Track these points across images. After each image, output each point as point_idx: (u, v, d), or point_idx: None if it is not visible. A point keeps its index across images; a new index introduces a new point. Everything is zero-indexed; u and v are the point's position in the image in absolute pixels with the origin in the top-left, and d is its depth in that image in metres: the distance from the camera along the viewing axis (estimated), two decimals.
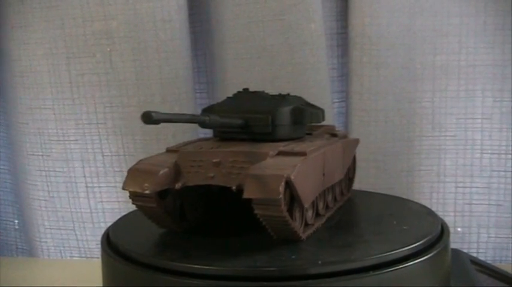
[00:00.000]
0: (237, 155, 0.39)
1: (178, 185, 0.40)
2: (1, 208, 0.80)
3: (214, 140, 0.45)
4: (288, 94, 0.46)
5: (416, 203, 0.52)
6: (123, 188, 0.40)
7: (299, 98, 0.47)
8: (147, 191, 0.38)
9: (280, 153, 0.40)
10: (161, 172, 0.39)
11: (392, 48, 0.63)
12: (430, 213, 0.47)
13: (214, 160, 0.39)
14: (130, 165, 0.68)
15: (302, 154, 0.40)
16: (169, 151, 0.43)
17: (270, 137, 0.43)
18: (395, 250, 0.37)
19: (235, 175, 0.39)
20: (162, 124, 0.66)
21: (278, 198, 0.35)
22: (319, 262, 0.35)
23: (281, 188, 0.35)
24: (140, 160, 0.41)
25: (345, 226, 0.44)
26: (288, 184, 0.36)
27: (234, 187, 0.38)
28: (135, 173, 0.40)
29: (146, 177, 0.39)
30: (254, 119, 0.43)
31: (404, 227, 0.42)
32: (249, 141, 0.43)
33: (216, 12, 0.66)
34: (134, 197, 0.40)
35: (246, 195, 0.36)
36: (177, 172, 0.40)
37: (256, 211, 0.37)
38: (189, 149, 0.42)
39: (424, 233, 0.40)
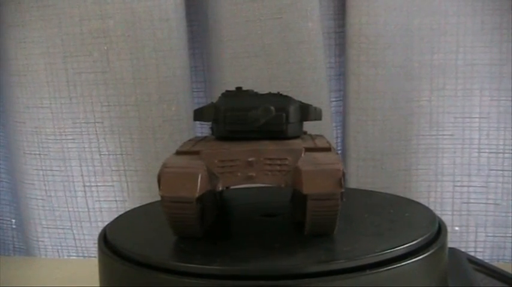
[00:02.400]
0: (274, 153, 0.38)
1: (219, 187, 0.37)
2: None
3: (214, 139, 0.44)
4: (279, 93, 0.46)
5: (414, 201, 0.51)
6: (161, 194, 0.36)
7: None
8: (192, 196, 0.36)
9: (307, 149, 0.39)
10: (201, 175, 0.36)
11: (390, 47, 0.63)
12: (428, 212, 0.47)
13: (249, 159, 0.38)
14: (127, 164, 0.70)
15: (327, 149, 0.40)
16: (181, 153, 0.41)
17: (282, 134, 0.43)
18: (392, 248, 0.37)
19: (277, 172, 0.38)
20: (159, 123, 0.67)
21: (341, 191, 0.35)
22: (377, 251, 0.36)
23: (343, 181, 0.35)
24: (165, 163, 0.38)
25: (346, 220, 0.44)
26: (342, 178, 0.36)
27: (283, 185, 0.37)
28: (172, 177, 0.36)
29: (187, 181, 0.36)
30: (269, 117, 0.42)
31: (401, 225, 0.42)
32: (260, 139, 0.42)
33: (214, 11, 0.66)
34: (171, 203, 0.37)
35: (306, 191, 0.35)
36: (209, 174, 0.38)
37: (311, 207, 0.37)
38: (207, 150, 0.40)
39: (421, 232, 0.40)
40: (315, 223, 0.38)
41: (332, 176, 0.35)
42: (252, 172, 0.38)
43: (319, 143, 0.42)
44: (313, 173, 0.36)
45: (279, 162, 0.38)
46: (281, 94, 0.45)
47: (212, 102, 0.46)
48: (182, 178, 0.36)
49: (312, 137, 0.46)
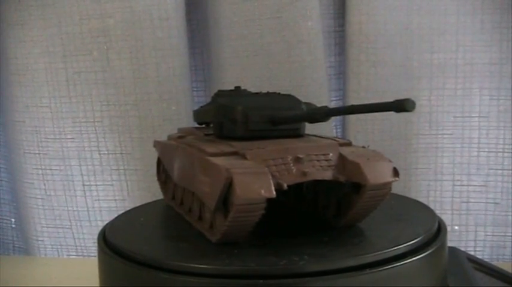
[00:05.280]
0: (317, 149, 0.39)
1: (285, 186, 0.36)
2: None
3: (224, 139, 0.43)
4: (268, 92, 0.46)
5: (413, 200, 0.52)
6: (240, 197, 0.34)
7: None
8: (271, 195, 0.34)
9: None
10: (269, 174, 0.35)
11: (390, 47, 0.63)
12: (427, 211, 0.47)
13: (300, 156, 0.38)
14: (127, 163, 0.70)
15: (349, 144, 0.41)
16: (215, 154, 0.39)
17: (297, 132, 0.43)
18: (392, 247, 0.37)
19: (327, 167, 0.38)
20: (159, 123, 0.67)
21: (397, 179, 0.37)
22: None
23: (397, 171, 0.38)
24: (224, 165, 0.35)
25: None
26: None
27: (343, 179, 0.38)
28: (247, 178, 0.34)
29: (263, 181, 0.34)
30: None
31: (401, 224, 0.42)
32: (277, 138, 0.42)
33: (213, 10, 0.66)
34: (247, 205, 0.35)
35: (370, 181, 0.37)
36: None
37: (366, 197, 0.38)
38: (247, 150, 0.38)
39: (421, 231, 0.40)
40: (358, 213, 0.40)
41: (388, 166, 0.38)
42: (305, 168, 0.38)
43: (336, 139, 0.43)
44: (372, 164, 0.37)
45: (323, 157, 0.38)
46: (280, 93, 0.45)
47: (214, 103, 0.45)
48: (257, 178, 0.35)
49: (313, 135, 0.46)
